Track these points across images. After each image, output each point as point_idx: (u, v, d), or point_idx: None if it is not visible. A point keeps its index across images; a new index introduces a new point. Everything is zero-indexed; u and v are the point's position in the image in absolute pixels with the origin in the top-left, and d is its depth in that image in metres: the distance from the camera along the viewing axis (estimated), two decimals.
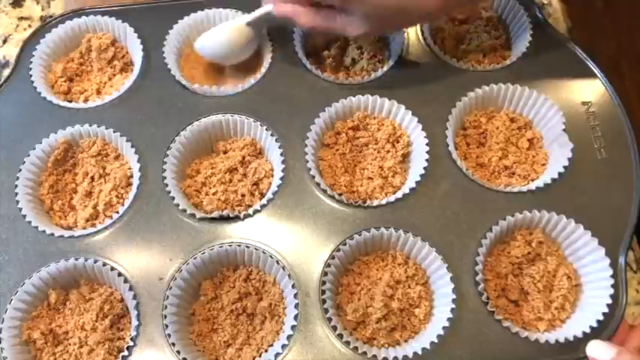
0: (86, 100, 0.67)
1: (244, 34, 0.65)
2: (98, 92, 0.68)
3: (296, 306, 0.54)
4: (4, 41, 0.76)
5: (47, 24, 0.69)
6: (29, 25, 0.77)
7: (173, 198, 0.59)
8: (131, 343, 0.54)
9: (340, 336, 0.53)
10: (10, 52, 0.73)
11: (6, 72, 0.68)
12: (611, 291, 0.54)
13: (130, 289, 0.56)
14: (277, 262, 0.56)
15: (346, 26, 0.59)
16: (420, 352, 0.53)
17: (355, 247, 0.57)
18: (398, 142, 0.63)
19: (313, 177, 0.60)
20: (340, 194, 0.60)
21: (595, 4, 0.77)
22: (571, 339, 0.53)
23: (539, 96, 0.63)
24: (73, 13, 0.70)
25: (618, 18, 0.74)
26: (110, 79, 0.68)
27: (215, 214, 0.58)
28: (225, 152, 0.64)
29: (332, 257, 0.56)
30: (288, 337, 0.53)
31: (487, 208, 0.58)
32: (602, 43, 0.76)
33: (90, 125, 0.63)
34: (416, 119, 0.62)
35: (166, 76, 0.66)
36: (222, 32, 0.65)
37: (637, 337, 0.53)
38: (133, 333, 0.54)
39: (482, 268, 0.56)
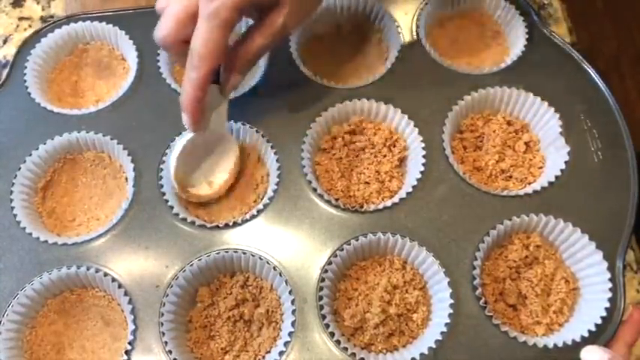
0: (81, 107, 0.66)
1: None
2: (93, 98, 0.67)
3: (293, 312, 0.54)
4: (5, 41, 0.75)
5: (42, 29, 0.69)
6: (29, 26, 0.76)
7: (172, 207, 0.59)
8: (128, 348, 0.53)
9: (338, 342, 0.53)
10: (11, 52, 0.72)
11: (6, 72, 0.67)
12: (609, 294, 0.54)
13: (126, 295, 0.55)
14: (274, 269, 0.56)
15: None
16: (417, 358, 0.52)
17: (352, 252, 0.57)
18: (394, 146, 0.62)
19: (310, 182, 0.59)
20: (337, 199, 0.60)
21: (595, 4, 0.76)
22: (569, 343, 0.52)
23: (535, 99, 0.63)
24: (67, 19, 0.69)
25: (619, 18, 0.74)
26: (105, 85, 0.68)
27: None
28: None
29: (329, 263, 0.56)
30: (286, 344, 0.53)
31: (484, 212, 0.58)
32: (602, 43, 0.75)
33: (85, 131, 0.63)
34: (412, 123, 0.62)
35: (161, 81, 0.65)
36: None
37: (628, 331, 0.53)
38: (130, 337, 0.54)
39: (479, 272, 0.56)
